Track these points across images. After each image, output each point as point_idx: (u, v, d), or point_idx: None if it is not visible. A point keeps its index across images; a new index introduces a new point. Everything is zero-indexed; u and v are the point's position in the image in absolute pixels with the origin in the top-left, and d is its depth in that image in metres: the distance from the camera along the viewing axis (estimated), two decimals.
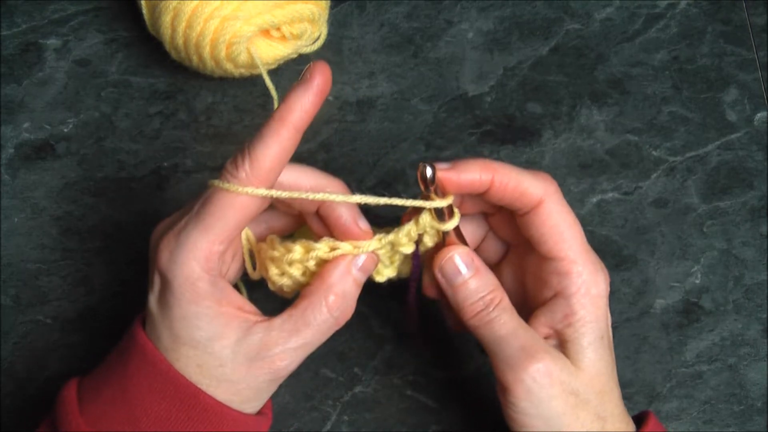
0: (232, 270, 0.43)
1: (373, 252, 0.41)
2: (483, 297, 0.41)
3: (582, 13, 0.60)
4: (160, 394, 0.38)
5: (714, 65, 0.59)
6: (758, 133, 0.57)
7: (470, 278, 0.41)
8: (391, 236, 0.41)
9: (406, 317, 0.46)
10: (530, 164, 0.56)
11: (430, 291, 0.44)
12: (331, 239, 0.41)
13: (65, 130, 0.56)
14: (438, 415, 0.50)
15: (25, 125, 0.56)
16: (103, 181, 0.55)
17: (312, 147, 0.56)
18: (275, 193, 0.38)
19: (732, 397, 0.51)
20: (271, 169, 0.37)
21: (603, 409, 0.40)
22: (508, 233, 0.44)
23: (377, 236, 0.41)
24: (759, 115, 0.58)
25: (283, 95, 0.56)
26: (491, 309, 0.40)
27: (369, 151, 0.56)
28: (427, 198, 0.40)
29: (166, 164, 0.55)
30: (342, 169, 0.55)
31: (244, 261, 0.43)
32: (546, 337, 0.41)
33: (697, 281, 0.53)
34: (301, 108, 0.37)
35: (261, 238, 0.43)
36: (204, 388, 0.38)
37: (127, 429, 0.38)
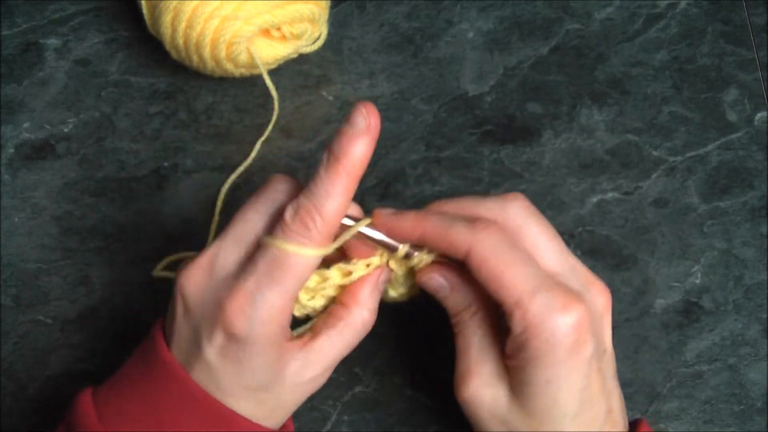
0: None
1: (390, 268, 0.42)
2: (460, 312, 0.42)
3: (582, 13, 0.60)
4: (191, 414, 0.39)
5: (714, 65, 0.59)
6: (758, 133, 0.57)
7: (449, 294, 0.42)
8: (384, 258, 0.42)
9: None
10: (530, 164, 0.56)
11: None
12: (343, 264, 0.42)
13: (65, 129, 0.56)
14: (438, 415, 0.50)
15: (25, 125, 0.56)
16: (103, 181, 0.55)
17: (312, 147, 0.56)
18: (338, 245, 0.39)
19: (732, 397, 0.51)
20: (339, 222, 0.38)
21: None
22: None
23: (378, 252, 0.42)
24: (759, 115, 0.58)
25: (283, 95, 0.57)
26: (461, 321, 0.42)
27: None
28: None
29: (166, 164, 0.55)
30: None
31: None
32: (510, 360, 0.40)
33: (697, 281, 0.53)
34: (364, 156, 0.37)
35: None
36: (261, 420, 0.40)
37: None
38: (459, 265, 0.41)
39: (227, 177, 0.54)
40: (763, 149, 0.57)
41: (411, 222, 0.40)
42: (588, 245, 0.54)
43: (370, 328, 0.42)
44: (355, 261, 0.41)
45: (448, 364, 0.51)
